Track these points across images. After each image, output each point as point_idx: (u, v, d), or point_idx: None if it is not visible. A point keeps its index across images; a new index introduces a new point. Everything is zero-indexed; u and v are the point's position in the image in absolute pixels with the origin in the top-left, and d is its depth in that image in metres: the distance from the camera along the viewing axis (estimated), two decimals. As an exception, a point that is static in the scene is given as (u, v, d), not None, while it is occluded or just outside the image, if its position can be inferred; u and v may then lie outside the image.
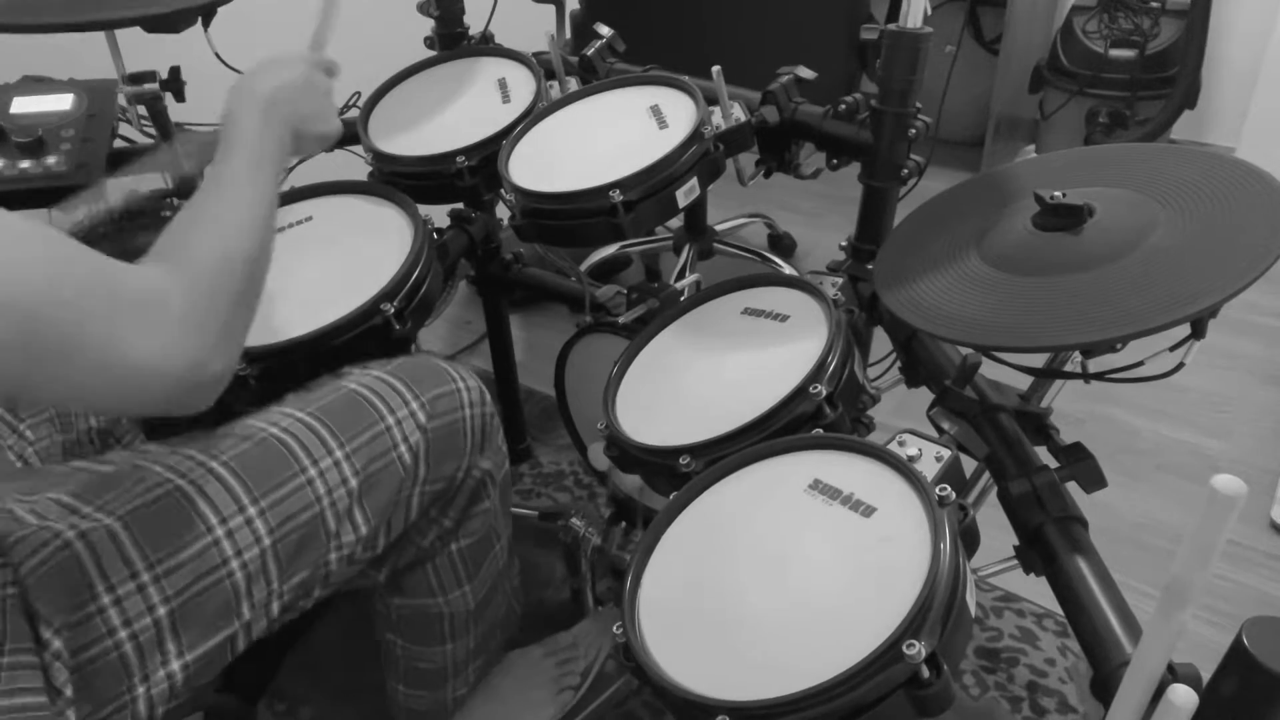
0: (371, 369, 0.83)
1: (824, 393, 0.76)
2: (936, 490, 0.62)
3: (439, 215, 1.12)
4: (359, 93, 1.25)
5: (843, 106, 1.04)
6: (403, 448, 0.79)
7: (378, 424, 0.78)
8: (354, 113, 1.21)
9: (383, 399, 0.79)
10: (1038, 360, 0.89)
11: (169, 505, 0.67)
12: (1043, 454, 0.84)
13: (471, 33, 1.32)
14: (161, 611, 0.65)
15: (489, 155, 1.04)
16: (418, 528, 0.86)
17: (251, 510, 0.70)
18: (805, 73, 1.10)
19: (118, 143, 1.19)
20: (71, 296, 0.53)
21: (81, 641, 0.62)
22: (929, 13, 0.93)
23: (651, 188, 0.90)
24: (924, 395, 0.91)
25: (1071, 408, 1.56)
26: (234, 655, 0.72)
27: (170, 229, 0.65)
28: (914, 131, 0.99)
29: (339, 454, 0.75)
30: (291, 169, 1.23)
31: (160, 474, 0.68)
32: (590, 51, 1.19)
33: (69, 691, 0.61)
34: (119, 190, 1.01)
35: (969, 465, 0.80)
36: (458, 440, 0.84)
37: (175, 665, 0.67)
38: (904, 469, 0.66)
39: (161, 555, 0.66)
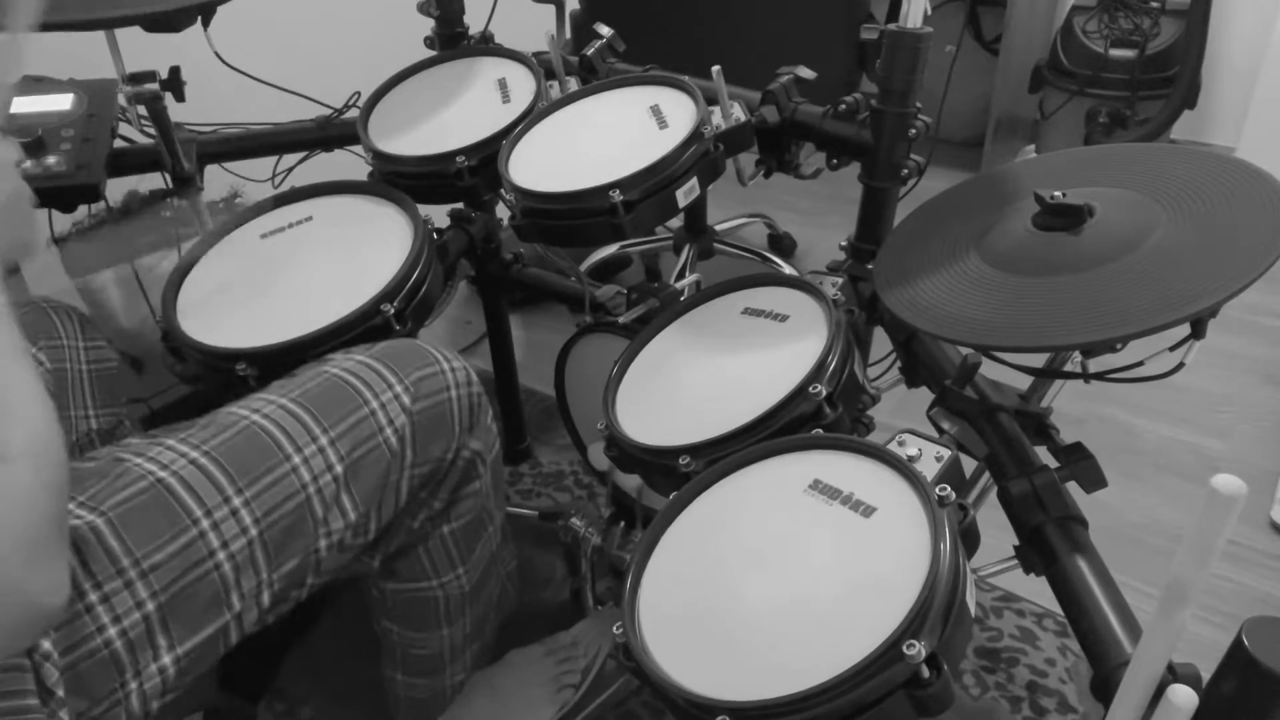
0: (354, 353, 0.82)
1: (824, 393, 0.76)
2: (936, 490, 0.62)
3: (439, 215, 1.12)
4: (359, 93, 1.25)
5: (843, 106, 1.04)
6: (388, 431, 0.78)
7: (361, 408, 0.77)
8: (354, 113, 1.21)
9: (366, 383, 0.79)
10: (1038, 360, 0.89)
11: (153, 499, 0.67)
12: (1043, 454, 0.84)
13: (471, 33, 1.32)
14: (150, 607, 0.65)
15: (489, 155, 1.04)
16: (408, 510, 0.85)
17: (236, 501, 0.70)
18: (805, 73, 1.10)
19: (118, 143, 1.19)
20: None
21: (71, 641, 0.62)
22: (929, 13, 0.93)
23: (651, 188, 0.90)
24: (924, 395, 0.91)
25: (1071, 408, 1.56)
26: (228, 646, 0.72)
27: None
28: (914, 131, 0.99)
29: (323, 440, 0.75)
30: (290, 170, 1.23)
31: (142, 467, 0.68)
32: (590, 51, 1.19)
33: (60, 691, 0.61)
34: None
35: (969, 465, 0.80)
36: (445, 422, 0.83)
37: (167, 659, 0.67)
38: (904, 469, 0.66)
39: (147, 550, 0.65)
